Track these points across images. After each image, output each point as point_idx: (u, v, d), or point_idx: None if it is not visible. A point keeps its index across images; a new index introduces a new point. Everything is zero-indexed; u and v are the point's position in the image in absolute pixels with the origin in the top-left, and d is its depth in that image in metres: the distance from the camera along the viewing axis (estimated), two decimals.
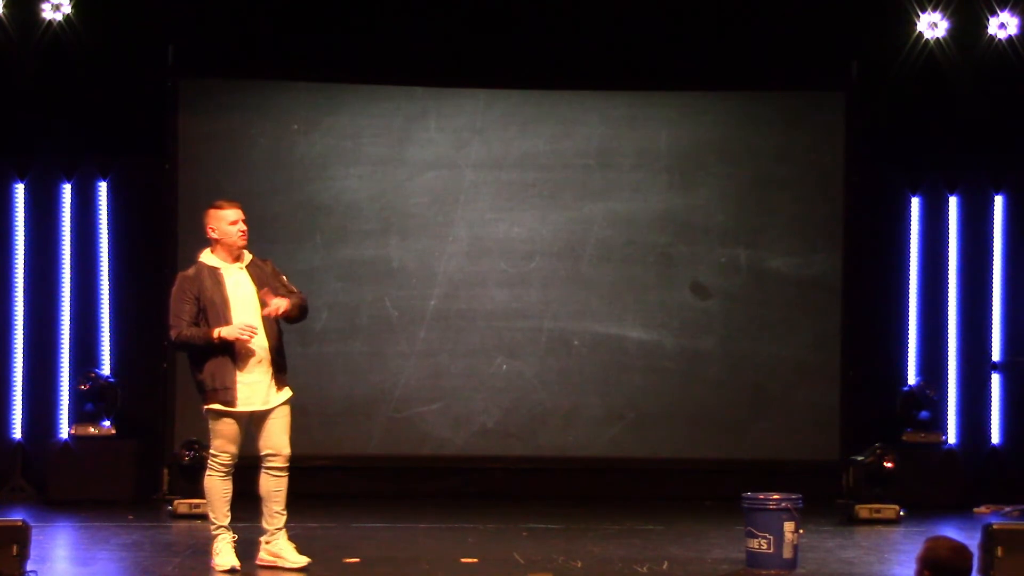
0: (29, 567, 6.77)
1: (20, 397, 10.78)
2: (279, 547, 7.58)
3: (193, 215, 10.70)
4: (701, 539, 8.90)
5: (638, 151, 11.04)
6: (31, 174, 10.85)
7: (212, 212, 7.58)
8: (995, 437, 11.11)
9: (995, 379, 11.12)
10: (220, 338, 7.34)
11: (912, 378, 11.07)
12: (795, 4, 10.65)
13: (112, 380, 10.66)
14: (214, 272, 7.50)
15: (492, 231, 10.98)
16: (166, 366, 10.71)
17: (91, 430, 10.48)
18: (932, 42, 10.52)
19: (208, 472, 7.54)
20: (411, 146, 10.98)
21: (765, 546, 7.61)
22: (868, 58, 10.95)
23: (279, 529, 7.58)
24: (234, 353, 7.39)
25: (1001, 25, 10.43)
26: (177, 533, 9.14)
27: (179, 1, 10.54)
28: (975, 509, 10.42)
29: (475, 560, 7.98)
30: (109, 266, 10.87)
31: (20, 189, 10.84)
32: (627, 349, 10.98)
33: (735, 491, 8.23)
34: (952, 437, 11.01)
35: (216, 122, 10.90)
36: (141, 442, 10.60)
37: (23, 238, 10.83)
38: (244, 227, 7.55)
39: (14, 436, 10.74)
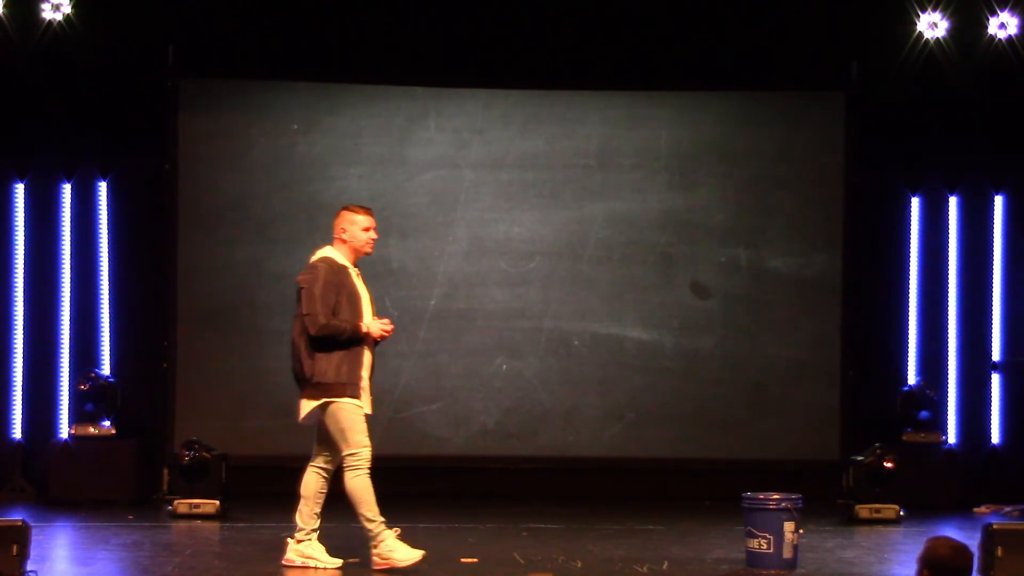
0: (29, 567, 6.77)
1: (20, 397, 10.77)
2: (313, 549, 7.62)
3: (193, 215, 10.79)
4: (701, 539, 8.90)
5: (638, 151, 11.04)
6: (31, 174, 10.85)
7: (346, 214, 7.60)
8: (995, 437, 11.11)
9: (995, 379, 11.13)
10: (367, 332, 7.39)
11: (912, 378, 11.07)
12: (795, 4, 10.65)
13: (112, 380, 10.66)
14: (344, 269, 7.52)
15: (492, 231, 10.98)
16: (166, 366, 10.72)
17: (91, 430, 10.47)
18: (932, 42, 10.52)
19: (354, 473, 7.40)
20: (411, 146, 10.98)
21: (765, 546, 7.61)
22: (868, 58, 10.95)
23: (315, 530, 7.64)
24: (362, 352, 7.43)
25: (1001, 25, 10.43)
26: (177, 533, 9.14)
27: (179, 1, 10.54)
28: (975, 509, 10.43)
29: (475, 560, 7.99)
30: (109, 266, 10.86)
31: (20, 189, 10.83)
32: (627, 349, 10.98)
33: (735, 491, 8.23)
34: (952, 437, 11.01)
35: (216, 122, 10.90)
36: (141, 442, 10.59)
37: (23, 238, 10.82)
38: (375, 235, 7.62)
39: (14, 436, 10.73)
